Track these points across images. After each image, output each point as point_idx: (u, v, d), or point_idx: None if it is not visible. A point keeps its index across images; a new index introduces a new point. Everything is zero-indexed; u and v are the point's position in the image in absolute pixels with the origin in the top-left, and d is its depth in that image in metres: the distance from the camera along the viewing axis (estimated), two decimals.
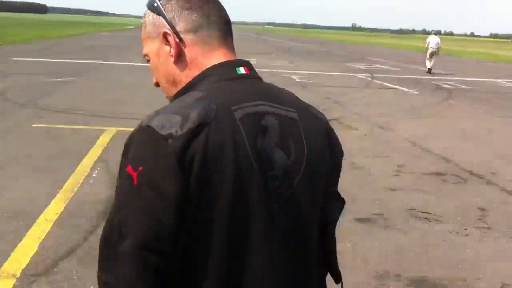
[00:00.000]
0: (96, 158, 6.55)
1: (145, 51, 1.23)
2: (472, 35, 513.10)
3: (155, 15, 1.17)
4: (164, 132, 0.99)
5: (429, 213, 5.32)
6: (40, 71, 15.46)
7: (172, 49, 1.15)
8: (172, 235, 1.00)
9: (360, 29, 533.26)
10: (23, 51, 23.09)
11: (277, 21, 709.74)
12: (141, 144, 1.03)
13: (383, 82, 18.22)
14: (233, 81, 1.14)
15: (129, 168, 1.01)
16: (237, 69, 1.17)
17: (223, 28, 1.20)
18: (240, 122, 1.05)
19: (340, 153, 1.28)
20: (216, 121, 1.02)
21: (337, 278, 1.28)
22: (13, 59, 19.12)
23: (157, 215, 0.99)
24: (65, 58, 20.69)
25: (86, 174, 5.89)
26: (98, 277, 1.03)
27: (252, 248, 1.06)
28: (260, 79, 1.22)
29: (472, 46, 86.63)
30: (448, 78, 21.52)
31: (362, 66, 25.86)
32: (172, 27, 1.15)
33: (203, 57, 1.16)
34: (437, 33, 24.50)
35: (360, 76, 20.21)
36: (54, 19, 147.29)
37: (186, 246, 1.03)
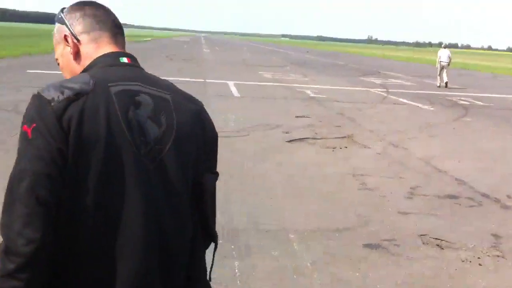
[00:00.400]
0: None
1: (55, 56, 1.55)
2: (489, 48, 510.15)
3: (59, 25, 1.49)
4: (49, 97, 1.26)
5: (442, 240, 5.18)
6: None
7: (71, 49, 1.46)
8: (60, 175, 1.23)
9: (376, 41, 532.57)
10: (39, 63, 23.22)
11: (292, 33, 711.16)
12: (33, 108, 1.28)
13: (398, 98, 18.07)
14: (115, 67, 1.43)
15: (25, 127, 1.25)
16: (120, 58, 1.45)
17: (113, 29, 1.51)
18: (114, 96, 1.31)
19: (212, 135, 1.54)
20: (94, 93, 1.28)
21: (212, 239, 1.57)
22: (29, 71, 19.28)
23: (47, 159, 1.22)
24: None
25: None
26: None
27: (128, 200, 1.29)
28: (141, 68, 1.48)
29: (489, 60, 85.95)
30: (465, 93, 21.28)
31: (377, 81, 25.71)
32: (71, 31, 1.46)
33: (95, 52, 1.46)
34: (447, 46, 24.45)
35: (375, 91, 20.07)
36: None
37: (68, 197, 1.25)
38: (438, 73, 23.61)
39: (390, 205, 6.19)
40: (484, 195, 6.91)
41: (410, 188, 7.00)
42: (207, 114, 1.55)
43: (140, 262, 1.31)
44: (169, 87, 1.48)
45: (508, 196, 6.93)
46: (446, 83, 23.13)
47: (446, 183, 7.36)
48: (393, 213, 5.91)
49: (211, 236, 1.55)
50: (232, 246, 4.60)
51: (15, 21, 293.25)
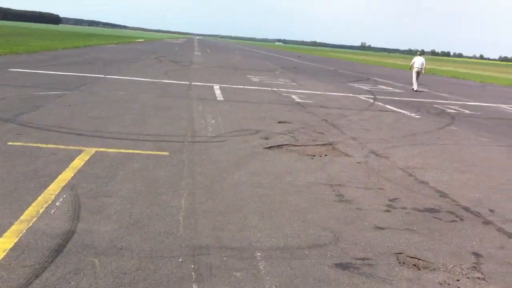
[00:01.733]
0: (65, 183, 6.10)
1: None
2: (481, 57, 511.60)
3: None
4: None
5: (419, 259, 4.85)
6: (35, 84, 15.10)
7: None
8: None
9: (369, 48, 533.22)
10: (23, 62, 22.79)
11: (287, 38, 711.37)
12: None
13: (385, 105, 17.77)
14: None
15: None
16: None
17: None
18: None
19: None
20: None
21: None
22: (11, 69, 18.81)
23: None
24: (65, 70, 20.35)
25: (50, 202, 5.44)
26: None
27: None
28: None
29: (481, 69, 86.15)
30: (452, 102, 21.08)
31: (366, 87, 25.43)
32: None
33: None
34: (422, 53, 27.16)
35: (363, 98, 19.77)
36: (65, 29, 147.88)
37: None
38: (414, 77, 25.73)
39: (366, 219, 5.84)
40: (466, 209, 6.59)
41: (389, 200, 6.66)
42: None
43: None
44: None
45: (491, 210, 6.62)
46: (415, 89, 25.37)
47: (427, 196, 7.02)
48: (369, 228, 5.56)
49: None
50: (192, 266, 4.21)
51: (12, 20, 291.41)
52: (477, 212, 6.48)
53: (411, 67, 26.39)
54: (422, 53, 27.90)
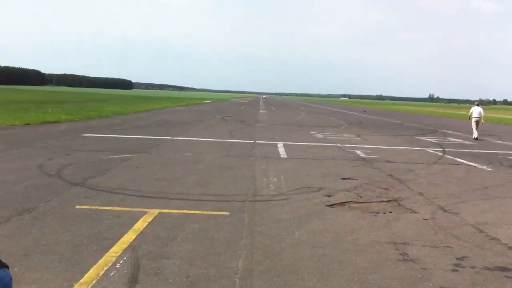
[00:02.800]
0: (127, 245, 6.22)
1: None
2: None
3: None
4: None
5: None
6: (104, 148, 15.76)
7: None
8: None
9: (437, 99, 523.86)
10: (95, 127, 23.93)
11: (352, 93, 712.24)
12: None
13: (454, 158, 17.22)
14: None
15: None
16: None
17: None
18: None
19: None
20: None
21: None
22: (83, 135, 19.76)
23: None
24: (134, 134, 21.17)
25: (110, 264, 5.55)
26: None
27: None
28: None
29: None
30: None
31: (434, 140, 24.81)
32: None
33: None
34: (480, 103, 28.36)
35: (430, 151, 19.26)
36: (136, 94, 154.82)
37: None
38: (474, 127, 26.58)
39: (431, 280, 5.56)
40: None
41: (457, 258, 6.33)
42: None
43: None
44: None
45: None
46: (476, 137, 25.84)
47: (498, 253, 6.63)
48: None
49: None
50: None
51: (87, 87, 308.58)
52: None
53: (470, 117, 27.49)
54: (480, 102, 29.27)
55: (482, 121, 27.01)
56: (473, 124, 26.61)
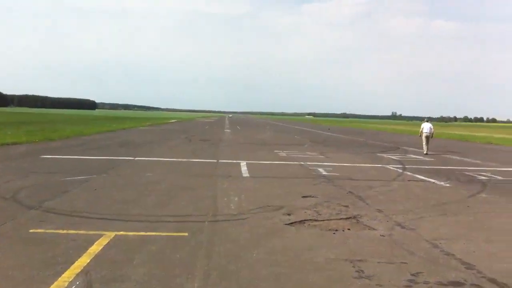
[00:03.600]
0: (80, 269, 6.11)
1: None
2: None
3: None
4: None
5: None
6: (64, 170, 15.51)
7: None
8: None
9: (400, 117, 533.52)
10: (55, 148, 23.53)
11: (317, 111, 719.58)
12: None
13: (413, 174, 17.53)
14: None
15: None
16: None
17: None
18: None
19: None
20: None
21: None
22: (43, 156, 19.40)
23: None
24: (95, 155, 20.90)
25: None
26: None
27: None
28: None
29: None
30: (484, 168, 20.65)
31: (395, 157, 25.23)
32: None
33: None
34: (429, 119, 29.99)
35: (391, 168, 19.58)
36: (100, 114, 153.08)
37: None
38: (424, 142, 27.98)
39: None
40: (492, 280, 6.29)
41: (411, 274, 6.43)
42: None
43: None
44: None
45: None
46: (427, 150, 27.57)
47: (452, 268, 6.76)
48: None
49: None
50: None
51: (50, 107, 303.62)
52: (504, 284, 6.18)
53: (420, 133, 28.76)
54: (429, 119, 31.08)
55: (432, 136, 28.47)
56: (424, 140, 28.03)
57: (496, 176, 17.66)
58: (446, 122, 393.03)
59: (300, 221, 9.30)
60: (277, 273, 6.29)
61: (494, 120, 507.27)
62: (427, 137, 27.91)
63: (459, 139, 51.99)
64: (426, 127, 28.41)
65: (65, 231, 7.92)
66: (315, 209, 10.51)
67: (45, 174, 14.44)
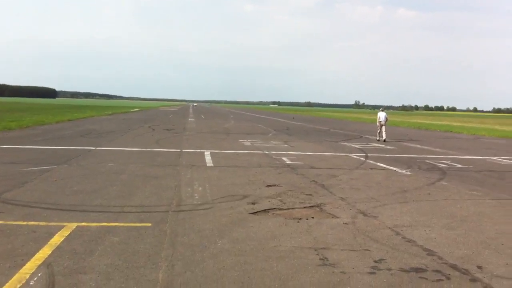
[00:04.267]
0: (41, 261, 5.98)
1: None
2: (475, 110, 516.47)
3: None
4: None
5: None
6: (23, 160, 15.14)
7: None
8: None
9: (363, 106, 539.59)
10: (14, 138, 22.95)
11: (281, 100, 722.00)
12: None
13: (376, 162, 17.77)
14: None
15: None
16: None
17: None
18: None
19: None
20: None
21: None
22: (1, 146, 18.89)
23: None
24: (55, 144, 20.47)
25: (24, 282, 5.31)
26: None
27: None
28: None
29: (474, 122, 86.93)
30: (444, 156, 21.11)
31: (357, 145, 25.54)
32: None
33: None
34: (384, 109, 32.40)
35: (354, 156, 19.81)
36: (60, 103, 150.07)
37: None
38: (378, 130, 30.37)
39: (349, 283, 5.69)
40: (453, 266, 6.43)
41: (374, 261, 6.52)
42: None
43: None
44: None
45: (479, 267, 6.46)
46: (385, 139, 29.15)
47: (414, 255, 6.88)
48: None
49: None
50: None
51: (8, 96, 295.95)
52: (465, 269, 6.32)
53: (378, 121, 30.71)
54: (385, 108, 34.23)
55: (386, 124, 30.37)
56: (379, 127, 30.37)
57: (456, 164, 18.07)
58: (407, 111, 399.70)
59: (264, 210, 9.31)
60: (242, 262, 6.29)
61: (454, 109, 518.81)
62: (382, 125, 30.03)
63: (419, 127, 52.93)
64: (382, 116, 30.48)
65: (25, 223, 7.74)
66: (279, 198, 10.55)
67: (3, 164, 14.07)
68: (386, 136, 29.56)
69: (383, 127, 29.99)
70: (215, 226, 7.99)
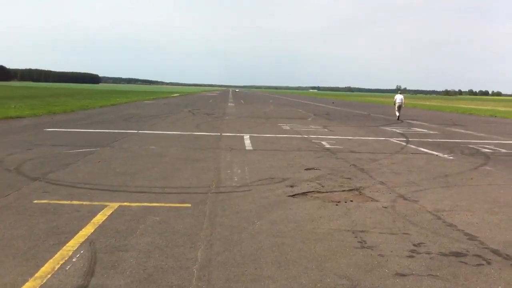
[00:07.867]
0: (84, 239, 6.16)
1: None
2: None
3: None
4: None
5: None
6: (67, 142, 15.54)
7: None
8: None
9: (404, 91, 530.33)
10: (59, 121, 23.56)
11: (321, 85, 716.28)
12: None
13: (417, 147, 17.50)
14: None
15: None
16: None
17: None
18: None
19: None
20: None
21: None
22: (46, 129, 19.43)
23: None
24: (99, 128, 20.93)
25: (67, 258, 5.48)
26: None
27: None
28: None
29: None
30: (488, 141, 20.60)
31: (399, 130, 25.18)
32: None
33: None
34: (402, 91, 37.16)
35: (394, 141, 19.55)
36: (103, 88, 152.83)
37: None
38: (396, 110, 34.83)
39: (387, 266, 5.65)
40: (495, 251, 6.31)
41: (413, 245, 6.45)
42: None
43: None
44: None
45: None
46: (399, 116, 34.26)
47: (454, 239, 6.78)
48: (389, 276, 5.37)
49: None
50: None
51: (53, 82, 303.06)
52: (506, 255, 6.19)
53: (394, 103, 35.38)
54: (403, 91, 36.13)
55: (403, 105, 35.02)
56: (396, 108, 34.67)
57: (499, 149, 17.62)
58: (450, 95, 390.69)
59: (303, 193, 9.32)
60: (280, 243, 6.32)
61: (499, 94, 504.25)
62: (399, 107, 34.54)
63: (463, 112, 51.74)
64: (398, 98, 34.96)
65: (69, 202, 7.97)
66: (318, 181, 10.53)
67: (48, 146, 14.48)
68: (399, 115, 34.12)
69: (400, 108, 34.33)
70: (253, 208, 8.05)
